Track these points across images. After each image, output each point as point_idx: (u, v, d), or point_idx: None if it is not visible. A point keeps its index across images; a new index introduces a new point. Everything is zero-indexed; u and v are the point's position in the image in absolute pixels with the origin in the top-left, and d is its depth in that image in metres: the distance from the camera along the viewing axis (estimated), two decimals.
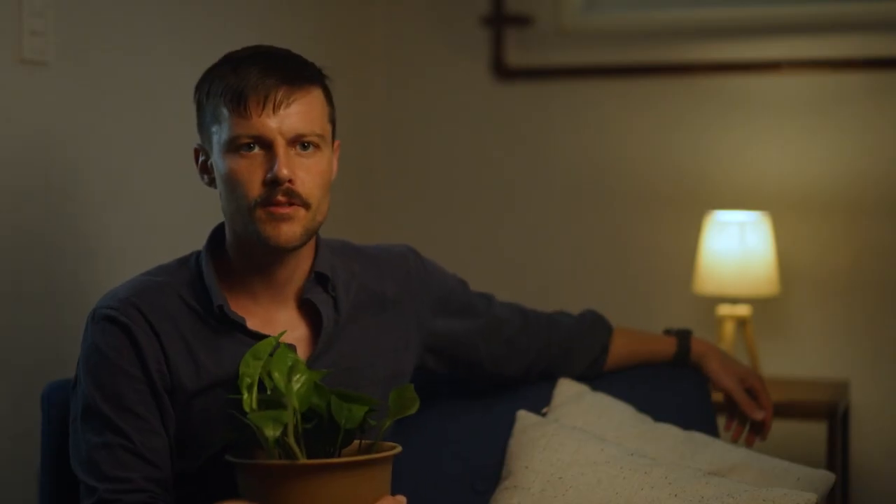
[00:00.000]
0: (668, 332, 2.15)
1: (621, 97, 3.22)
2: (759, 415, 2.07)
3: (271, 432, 1.49)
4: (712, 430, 2.07)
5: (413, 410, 1.59)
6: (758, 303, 2.99)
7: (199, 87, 1.71)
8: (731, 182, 3.12)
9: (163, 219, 2.37)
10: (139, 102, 2.33)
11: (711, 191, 3.12)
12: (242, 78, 1.63)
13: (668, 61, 3.17)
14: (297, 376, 1.55)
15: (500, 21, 3.27)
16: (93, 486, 1.60)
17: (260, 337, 1.67)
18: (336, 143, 1.75)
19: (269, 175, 1.62)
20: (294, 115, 1.64)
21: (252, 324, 1.69)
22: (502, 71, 3.28)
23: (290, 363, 1.55)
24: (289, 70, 1.66)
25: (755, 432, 2.09)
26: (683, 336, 2.13)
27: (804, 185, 3.07)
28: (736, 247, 2.89)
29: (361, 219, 3.34)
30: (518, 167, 3.30)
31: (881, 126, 3.04)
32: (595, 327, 2.09)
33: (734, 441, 2.12)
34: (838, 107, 3.06)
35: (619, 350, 2.10)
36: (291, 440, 1.51)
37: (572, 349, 2.06)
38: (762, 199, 3.06)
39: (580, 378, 2.08)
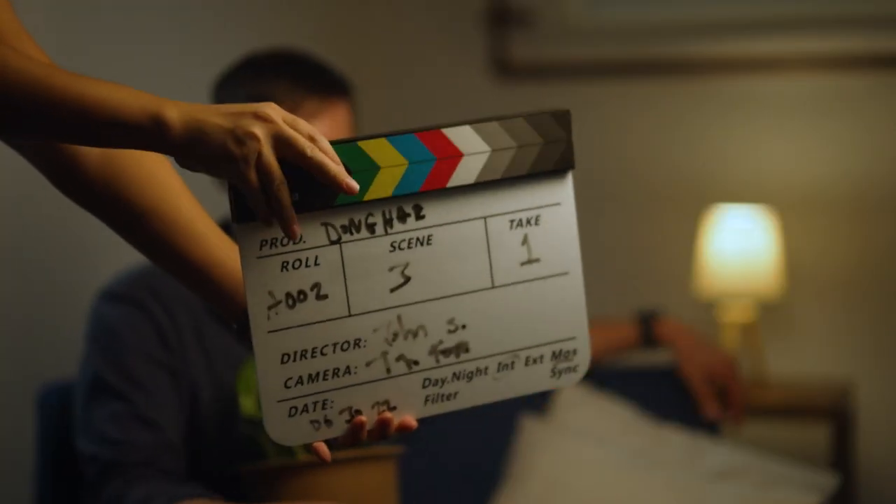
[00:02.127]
0: (640, 313, 2.08)
1: (623, 95, 3.20)
2: (708, 414, 2.00)
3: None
4: (716, 432, 2.06)
5: None
6: (761, 302, 2.98)
7: (220, 90, 1.67)
8: (734, 181, 3.11)
9: None
10: None
11: (715, 190, 3.11)
12: (272, 87, 1.60)
13: (671, 59, 3.15)
14: None
15: (501, 18, 3.26)
16: (94, 454, 1.57)
17: None
18: None
19: None
20: (322, 127, 1.61)
21: None
22: (503, 68, 3.26)
23: None
24: (320, 81, 1.63)
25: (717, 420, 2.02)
26: (647, 320, 2.06)
27: (808, 185, 3.06)
28: (739, 246, 2.87)
29: None
30: None
31: (886, 124, 3.02)
32: None
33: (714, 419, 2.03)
34: (843, 105, 3.05)
35: None
36: None
37: None
38: (766, 198, 3.04)
39: None
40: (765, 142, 3.09)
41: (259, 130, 0.99)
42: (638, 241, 3.19)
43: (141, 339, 1.61)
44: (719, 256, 2.89)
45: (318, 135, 1.02)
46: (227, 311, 1.14)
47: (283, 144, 1.00)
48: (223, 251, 1.14)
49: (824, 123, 3.06)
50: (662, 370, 2.13)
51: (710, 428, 2.04)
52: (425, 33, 3.34)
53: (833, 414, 2.76)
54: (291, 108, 1.59)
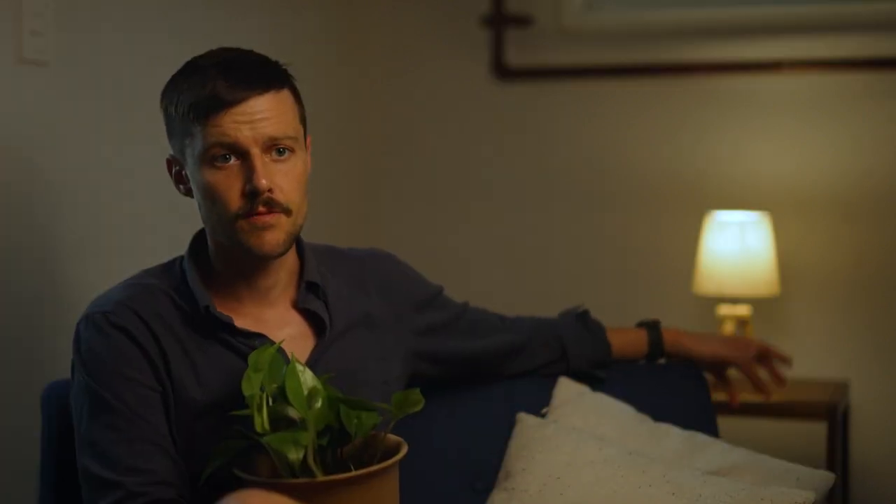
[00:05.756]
0: (640, 324, 2.14)
1: (621, 97, 3.22)
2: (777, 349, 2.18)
3: (294, 456, 1.46)
4: (713, 431, 2.07)
5: (418, 408, 1.58)
6: (758, 303, 2.99)
7: (165, 98, 1.69)
8: (731, 182, 3.12)
9: (162, 218, 2.37)
10: (139, 102, 2.33)
11: (711, 191, 3.12)
12: (211, 88, 1.60)
13: (668, 61, 3.17)
14: (315, 397, 1.51)
15: (500, 21, 3.27)
16: (114, 480, 1.57)
17: (248, 334, 1.67)
18: (307, 138, 1.73)
19: (247, 186, 1.61)
20: (266, 120, 1.62)
21: (240, 323, 1.69)
22: (502, 71, 3.28)
23: (303, 381, 1.51)
24: (257, 76, 1.63)
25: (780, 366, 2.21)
26: (653, 329, 2.12)
27: (804, 185, 3.07)
28: (736, 247, 2.89)
29: (360, 219, 3.33)
30: (518, 167, 3.30)
31: (881, 126, 3.04)
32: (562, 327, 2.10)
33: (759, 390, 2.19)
34: (838, 107, 3.06)
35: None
36: (311, 460, 1.49)
37: (533, 349, 2.07)
38: (762, 198, 3.06)
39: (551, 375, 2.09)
40: (763, 143, 3.10)
41: None
42: (638, 241, 3.20)
43: (128, 366, 1.62)
44: (717, 257, 2.90)
45: None
46: None
47: None
48: None
49: (822, 125, 3.07)
50: (660, 368, 2.14)
51: (706, 427, 2.05)
52: (426, 35, 3.35)
53: (828, 413, 2.77)
54: (236, 106, 1.60)
